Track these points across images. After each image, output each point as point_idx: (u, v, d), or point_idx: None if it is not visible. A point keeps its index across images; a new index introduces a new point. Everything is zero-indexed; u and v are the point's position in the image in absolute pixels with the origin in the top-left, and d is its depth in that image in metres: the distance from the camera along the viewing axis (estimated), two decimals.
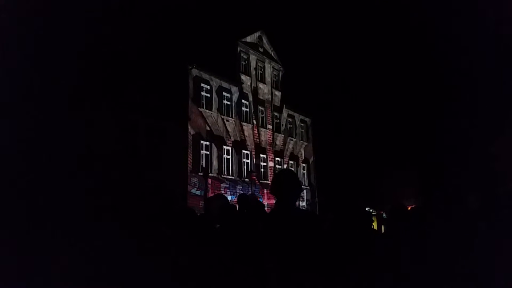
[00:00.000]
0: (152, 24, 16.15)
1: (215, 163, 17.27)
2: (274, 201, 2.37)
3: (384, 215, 23.69)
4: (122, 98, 13.53)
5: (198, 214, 3.79)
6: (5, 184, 7.96)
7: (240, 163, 18.83)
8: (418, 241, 2.65)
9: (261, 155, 20.52)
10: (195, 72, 16.96)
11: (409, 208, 3.36)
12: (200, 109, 16.93)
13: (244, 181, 18.61)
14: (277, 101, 22.66)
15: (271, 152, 21.26)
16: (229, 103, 18.93)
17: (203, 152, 16.86)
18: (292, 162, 22.94)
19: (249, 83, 20.55)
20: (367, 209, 24.12)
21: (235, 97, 19.30)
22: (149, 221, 3.07)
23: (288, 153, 22.69)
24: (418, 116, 27.08)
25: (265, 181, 19.80)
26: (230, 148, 18.41)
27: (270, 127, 21.55)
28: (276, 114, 22.31)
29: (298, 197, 2.41)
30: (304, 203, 22.32)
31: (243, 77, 20.14)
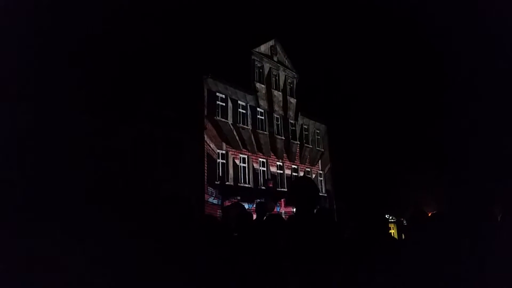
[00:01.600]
0: (167, 35, 16.44)
1: (231, 171, 17.32)
2: (292, 209, 2.36)
3: (404, 222, 23.22)
4: (138, 109, 13.76)
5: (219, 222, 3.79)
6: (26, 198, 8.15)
7: (256, 171, 18.83)
8: (438, 248, 2.60)
9: (277, 163, 20.48)
10: (210, 81, 17.14)
11: (429, 215, 3.30)
12: (215, 117, 17.06)
13: (261, 189, 18.59)
14: (292, 109, 22.64)
15: (287, 160, 21.20)
16: (244, 111, 19.03)
17: (219, 160, 16.94)
18: (308, 169, 22.81)
19: (263, 91, 20.62)
20: (386, 216, 23.69)
21: (250, 105, 19.39)
22: (167, 230, 3.09)
23: (304, 161, 22.58)
24: (438, 120, 26.59)
25: (282, 189, 19.73)
26: (246, 156, 18.46)
27: (286, 134, 21.52)
28: (291, 121, 22.29)
29: (317, 204, 2.39)
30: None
31: (257, 85, 20.23)
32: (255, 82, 20.10)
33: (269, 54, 21.59)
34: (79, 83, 11.51)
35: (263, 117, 20.22)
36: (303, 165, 22.38)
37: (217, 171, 16.61)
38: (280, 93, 21.97)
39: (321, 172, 23.98)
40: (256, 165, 18.91)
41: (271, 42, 21.93)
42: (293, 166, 21.55)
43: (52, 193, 9.30)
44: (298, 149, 22.15)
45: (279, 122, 21.33)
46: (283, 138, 21.18)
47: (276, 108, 21.29)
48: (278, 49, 22.48)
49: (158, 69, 14.91)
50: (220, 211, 15.21)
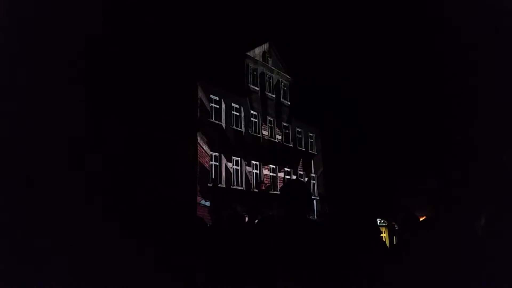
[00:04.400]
0: (161, 38, 16.41)
1: (224, 174, 17.28)
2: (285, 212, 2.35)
3: (395, 226, 23.35)
4: (131, 111, 13.69)
5: (208, 225, 3.78)
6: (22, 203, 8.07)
7: (249, 174, 18.82)
8: (429, 252, 2.61)
9: (270, 166, 20.49)
10: (204, 84, 17.12)
11: (421, 219, 3.32)
12: (209, 120, 17.03)
13: (253, 191, 18.57)
14: (285, 112, 22.70)
15: (280, 163, 21.22)
16: (237, 114, 19.02)
17: (212, 163, 16.90)
18: (301, 172, 22.85)
19: (257, 94, 20.64)
20: (378, 220, 23.84)
21: (243, 108, 19.40)
22: (159, 231, 3.07)
23: (297, 164, 22.61)
24: (431, 125, 26.81)
25: (275, 192, 19.72)
26: (239, 159, 18.43)
27: (279, 137, 21.56)
28: (285, 124, 22.34)
29: (309, 208, 2.39)
30: (314, 214, 22.13)
31: (251, 88, 20.26)
32: (249, 85, 20.12)
33: (263, 57, 21.64)
34: (73, 85, 11.43)
35: (256, 120, 20.23)
36: (295, 168, 22.42)
37: (210, 173, 16.56)
38: (274, 96, 22.02)
39: (313, 175, 24.04)
40: (249, 168, 18.89)
41: (265, 46, 21.98)
42: (286, 169, 21.57)
43: (46, 194, 9.23)
44: (291, 152, 22.19)
45: (272, 125, 21.35)
46: (276, 141, 21.21)
47: (269, 111, 21.33)
48: (272, 52, 22.54)
49: (152, 72, 14.85)
50: (212, 213, 15.15)
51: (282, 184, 20.25)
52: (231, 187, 17.50)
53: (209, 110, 17.30)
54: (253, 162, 19.28)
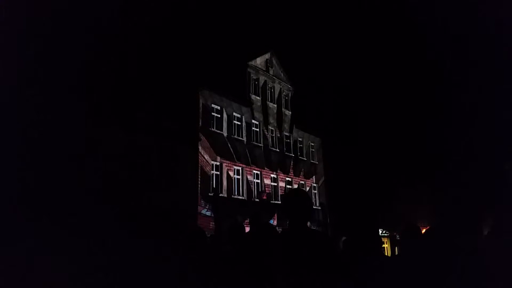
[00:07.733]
0: (164, 48, 16.54)
1: (225, 183, 17.25)
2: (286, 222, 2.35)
3: (397, 236, 23.20)
4: (133, 119, 13.74)
5: (209, 235, 3.77)
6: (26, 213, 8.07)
7: (250, 183, 18.78)
8: (431, 263, 2.59)
9: (272, 175, 20.45)
10: (205, 93, 17.20)
11: (423, 230, 3.30)
12: (210, 129, 17.06)
13: (254, 201, 18.50)
14: (287, 121, 22.73)
15: (281, 172, 21.18)
16: (239, 123, 19.06)
17: (214, 172, 16.89)
18: (302, 182, 22.80)
19: (259, 104, 20.71)
20: (380, 230, 23.70)
21: (245, 117, 19.44)
22: (159, 241, 3.07)
23: (298, 173, 22.57)
24: (432, 134, 26.79)
25: (276, 201, 19.66)
26: (240, 168, 18.42)
27: (280, 147, 21.55)
28: (286, 134, 22.35)
29: (310, 217, 2.38)
30: (315, 224, 22.02)
31: (253, 97, 20.33)
32: (250, 94, 20.20)
33: (265, 67, 21.76)
34: (74, 93, 11.49)
35: (258, 129, 20.26)
36: (297, 178, 22.37)
37: (211, 182, 16.53)
38: (275, 105, 22.08)
39: (315, 185, 23.97)
40: (250, 177, 18.86)
41: (267, 55, 22.11)
42: (287, 178, 21.53)
43: (50, 198, 9.24)
44: (292, 162, 22.16)
45: (273, 135, 21.37)
46: (278, 150, 21.20)
47: (271, 120, 21.37)
48: (274, 62, 22.66)
49: (154, 81, 14.94)
50: (213, 223, 15.10)
51: (283, 193, 20.19)
52: (232, 196, 17.45)
53: (211, 119, 17.34)
54: (254, 171, 19.26)
